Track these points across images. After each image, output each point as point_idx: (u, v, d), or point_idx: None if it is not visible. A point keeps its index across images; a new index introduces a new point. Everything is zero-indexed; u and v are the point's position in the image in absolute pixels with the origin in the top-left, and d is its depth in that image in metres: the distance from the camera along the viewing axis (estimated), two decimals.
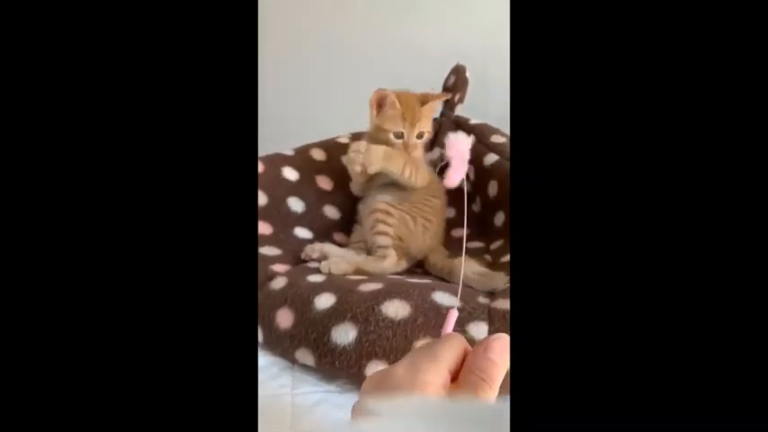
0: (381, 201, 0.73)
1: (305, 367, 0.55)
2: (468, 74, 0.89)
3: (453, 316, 0.35)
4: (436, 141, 0.89)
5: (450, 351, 0.30)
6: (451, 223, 0.80)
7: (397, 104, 0.73)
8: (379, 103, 0.75)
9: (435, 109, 0.81)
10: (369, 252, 0.72)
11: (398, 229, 0.71)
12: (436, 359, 0.29)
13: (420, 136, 0.76)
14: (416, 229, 0.72)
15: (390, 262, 0.69)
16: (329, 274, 0.64)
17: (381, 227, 0.71)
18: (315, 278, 0.62)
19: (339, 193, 0.82)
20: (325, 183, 0.82)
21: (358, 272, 0.66)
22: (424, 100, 0.76)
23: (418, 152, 0.77)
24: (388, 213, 0.71)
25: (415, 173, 0.73)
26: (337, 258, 0.67)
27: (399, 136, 0.74)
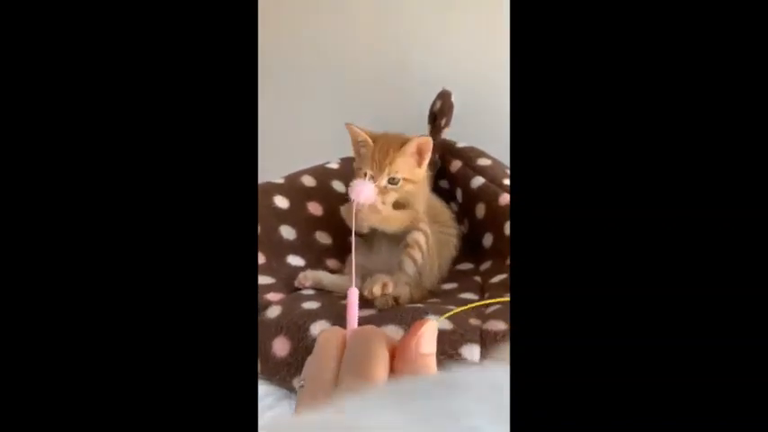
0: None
1: None
2: (453, 98, 0.92)
3: (354, 296, 0.31)
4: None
5: (382, 365, 0.24)
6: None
7: (370, 143, 0.71)
8: (353, 139, 0.73)
9: (416, 152, 0.72)
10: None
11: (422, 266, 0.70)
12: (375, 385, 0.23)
13: (394, 181, 0.71)
14: (433, 265, 0.72)
15: (404, 299, 0.66)
16: (325, 302, 0.64)
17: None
18: (309, 305, 0.63)
19: (330, 219, 0.83)
20: (315, 209, 0.83)
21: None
22: (403, 142, 0.71)
23: (407, 191, 0.72)
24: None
25: (417, 222, 0.71)
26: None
27: (369, 178, 0.70)
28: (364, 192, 0.66)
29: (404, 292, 0.66)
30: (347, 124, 0.74)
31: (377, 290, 0.62)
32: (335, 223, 0.83)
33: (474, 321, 0.57)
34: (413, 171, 0.73)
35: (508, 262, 0.74)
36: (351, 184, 0.68)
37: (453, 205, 0.89)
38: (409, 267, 0.69)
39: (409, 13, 1.14)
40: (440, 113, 0.91)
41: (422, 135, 0.74)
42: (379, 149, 0.71)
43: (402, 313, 0.57)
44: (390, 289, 0.63)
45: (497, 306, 0.61)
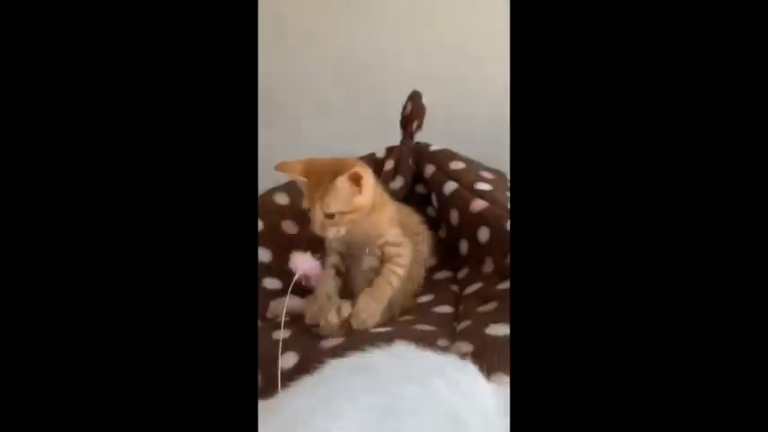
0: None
1: None
2: (424, 100, 0.90)
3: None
4: (398, 170, 0.90)
5: None
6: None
7: (303, 180, 0.65)
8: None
9: (349, 185, 0.63)
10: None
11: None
12: None
13: (330, 216, 0.64)
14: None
15: (371, 323, 0.64)
16: (297, 329, 0.64)
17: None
18: (279, 334, 0.63)
19: (307, 236, 0.83)
20: (290, 227, 0.83)
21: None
22: (338, 171, 0.62)
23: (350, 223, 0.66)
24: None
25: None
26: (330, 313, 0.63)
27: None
28: (304, 265, 0.64)
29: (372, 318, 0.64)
30: (278, 165, 0.66)
31: (332, 318, 0.62)
32: (314, 238, 0.83)
33: (442, 342, 0.57)
34: (350, 203, 0.64)
35: (485, 269, 0.73)
36: (291, 256, 0.64)
37: (431, 210, 0.88)
38: (394, 280, 0.67)
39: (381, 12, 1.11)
40: (411, 116, 0.89)
41: (355, 162, 0.67)
42: (313, 185, 0.64)
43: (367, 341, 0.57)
44: (337, 318, 0.62)
45: (468, 323, 0.61)
